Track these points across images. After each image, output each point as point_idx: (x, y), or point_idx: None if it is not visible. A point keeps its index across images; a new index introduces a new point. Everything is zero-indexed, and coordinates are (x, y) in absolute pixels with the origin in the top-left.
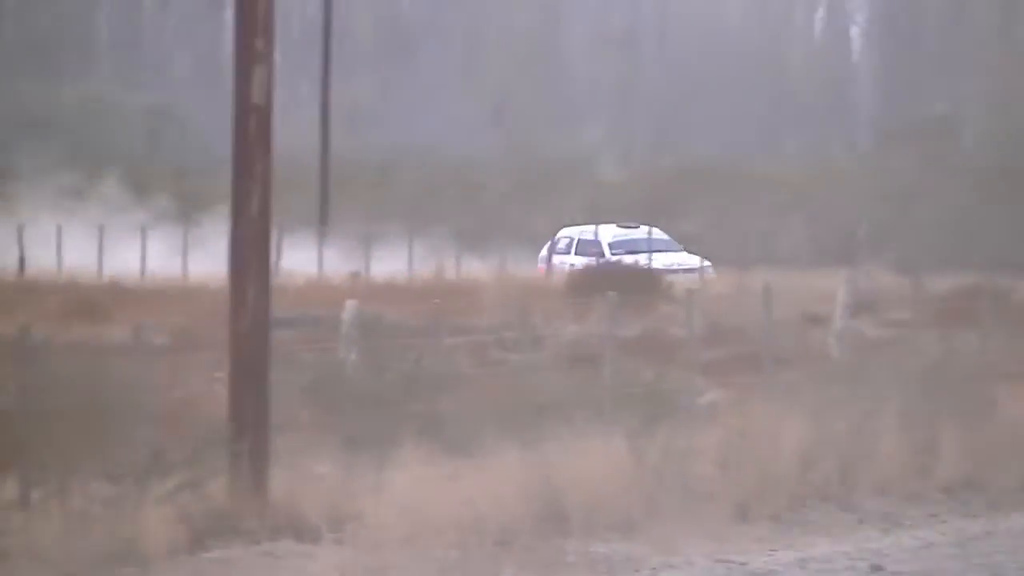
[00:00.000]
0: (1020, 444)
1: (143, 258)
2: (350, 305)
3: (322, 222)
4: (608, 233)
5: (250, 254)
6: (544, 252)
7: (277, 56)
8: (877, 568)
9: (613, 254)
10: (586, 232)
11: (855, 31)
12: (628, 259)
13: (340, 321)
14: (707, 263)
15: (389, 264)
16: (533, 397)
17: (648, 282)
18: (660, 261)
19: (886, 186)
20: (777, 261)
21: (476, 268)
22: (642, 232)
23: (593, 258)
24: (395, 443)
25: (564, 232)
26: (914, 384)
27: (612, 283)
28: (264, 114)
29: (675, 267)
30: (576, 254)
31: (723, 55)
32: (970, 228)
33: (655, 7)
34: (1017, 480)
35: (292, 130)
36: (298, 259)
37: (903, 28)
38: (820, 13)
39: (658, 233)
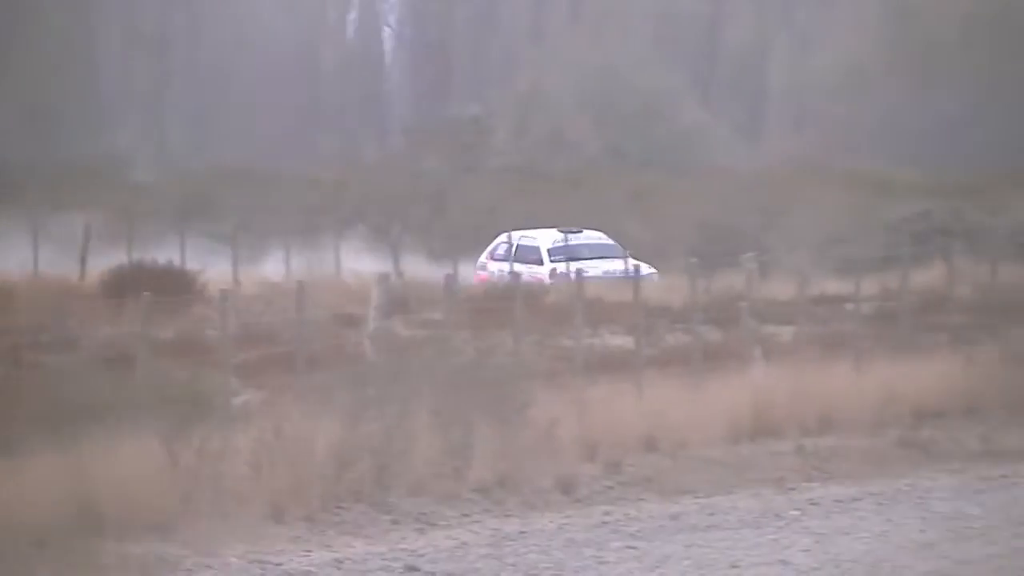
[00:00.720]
0: (552, 444)
1: None
2: None
3: None
4: (548, 239)
5: None
6: (483, 259)
7: None
8: (412, 568)
9: (553, 260)
10: (525, 238)
11: (387, 32)
12: (560, 266)
13: None
14: (653, 270)
15: None
16: (69, 399)
17: (182, 283)
18: (603, 267)
19: (418, 186)
20: (313, 262)
21: (9, 270)
22: (584, 237)
23: (532, 265)
24: None
25: (503, 238)
26: (448, 385)
27: (147, 284)
28: None
29: (619, 273)
30: (515, 260)
31: (257, 55)
32: (500, 228)
33: (188, 7)
34: (550, 479)
35: None
36: None
37: (434, 30)
38: (353, 15)
39: (602, 238)
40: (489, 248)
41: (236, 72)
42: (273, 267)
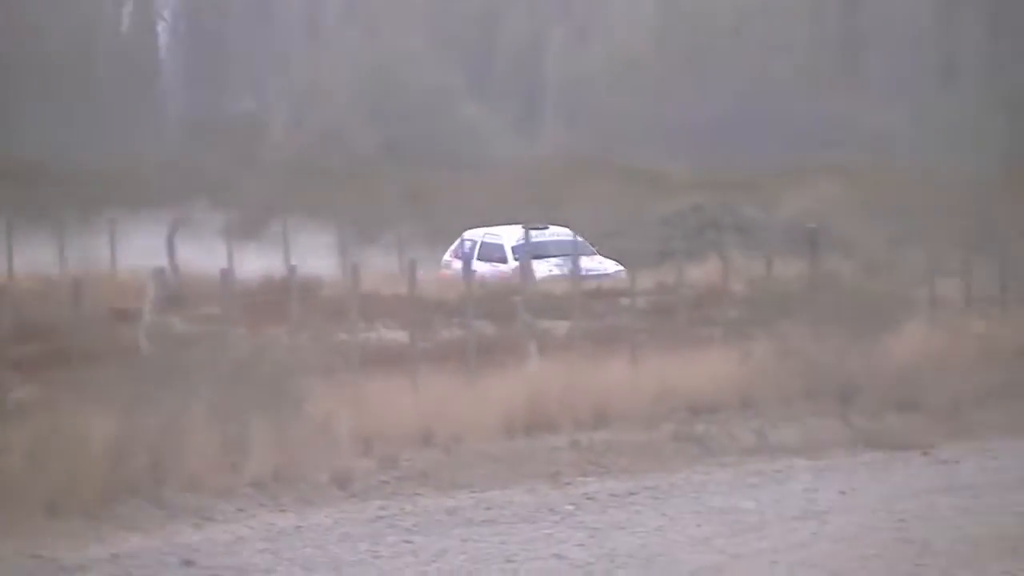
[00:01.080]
0: (328, 438)
1: None
2: None
3: None
4: (512, 235)
5: None
6: (447, 256)
7: None
8: (189, 563)
9: (517, 258)
10: (490, 234)
11: (162, 27)
12: (534, 264)
13: None
14: (620, 267)
15: None
16: None
17: None
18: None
19: (193, 181)
20: (89, 257)
21: None
22: (550, 234)
23: (496, 263)
24: None
25: (467, 235)
26: (224, 380)
27: None
28: None
29: (586, 271)
30: (479, 259)
31: (30, 48)
32: (278, 225)
33: None
34: (326, 474)
35: None
36: None
37: (209, 24)
38: (128, 8)
39: (568, 235)
40: (452, 246)
41: (9, 65)
42: (48, 262)
